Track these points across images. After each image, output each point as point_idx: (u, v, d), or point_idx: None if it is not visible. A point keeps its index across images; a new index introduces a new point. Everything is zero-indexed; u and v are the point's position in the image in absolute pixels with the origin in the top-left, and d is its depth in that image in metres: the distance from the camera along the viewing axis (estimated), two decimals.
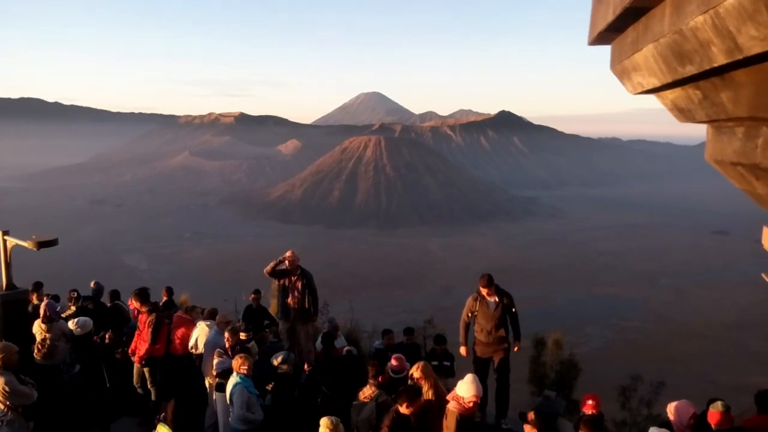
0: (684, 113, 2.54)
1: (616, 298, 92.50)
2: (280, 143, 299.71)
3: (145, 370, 8.76)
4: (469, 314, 8.25)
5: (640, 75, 2.48)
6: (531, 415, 5.69)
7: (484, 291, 8.12)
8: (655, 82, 2.35)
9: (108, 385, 7.56)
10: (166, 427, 6.18)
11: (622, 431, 12.00)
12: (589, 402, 6.59)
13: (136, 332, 8.75)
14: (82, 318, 7.76)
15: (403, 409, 5.71)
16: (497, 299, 8.10)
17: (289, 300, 8.94)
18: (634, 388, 14.25)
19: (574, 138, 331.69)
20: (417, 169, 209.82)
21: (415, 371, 6.04)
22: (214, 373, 8.03)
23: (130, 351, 8.74)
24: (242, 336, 8.47)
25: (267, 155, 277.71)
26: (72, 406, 7.80)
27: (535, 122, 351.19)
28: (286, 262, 8.90)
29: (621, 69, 2.67)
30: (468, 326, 8.29)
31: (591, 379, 12.74)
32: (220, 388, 8.03)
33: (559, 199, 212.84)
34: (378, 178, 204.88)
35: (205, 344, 8.63)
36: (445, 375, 8.74)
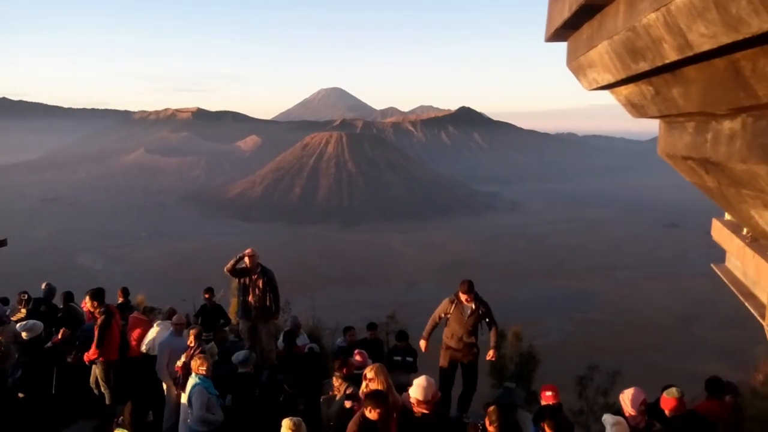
0: (637, 108, 2.59)
1: (574, 290, 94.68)
2: (239, 139, 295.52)
3: (97, 371, 8.48)
4: (442, 315, 8.14)
5: (595, 71, 2.52)
6: (490, 409, 5.77)
7: (463, 296, 7.95)
8: (610, 78, 2.39)
9: (53, 390, 7.30)
10: (124, 430, 6.06)
11: (579, 419, 12.29)
12: (548, 393, 6.71)
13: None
14: (30, 321, 7.50)
15: (370, 414, 5.73)
16: (474, 306, 7.95)
17: (250, 298, 8.82)
18: (591, 378, 14.59)
19: (532, 133, 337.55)
20: (379, 165, 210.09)
21: (369, 372, 5.96)
22: (176, 368, 7.89)
23: (85, 355, 8.46)
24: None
25: (226, 151, 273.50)
26: (17, 411, 7.52)
27: (495, 118, 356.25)
28: (246, 259, 8.77)
29: (577, 65, 2.71)
30: (436, 326, 8.23)
31: (550, 370, 12.97)
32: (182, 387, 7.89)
33: (518, 193, 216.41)
34: (340, 174, 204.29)
35: (159, 345, 8.44)
36: (407, 370, 8.78)
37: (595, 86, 2.65)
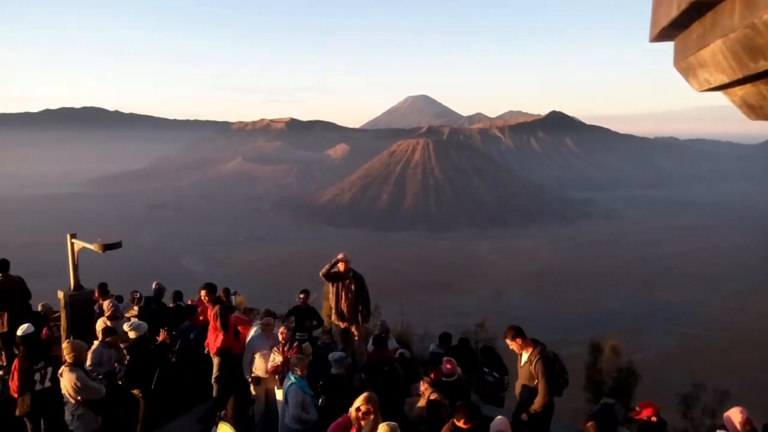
0: (755, 110, 2.45)
1: (675, 303, 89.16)
2: (329, 147, 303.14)
3: (215, 361, 9.05)
4: None
5: (706, 72, 2.41)
6: (588, 424, 5.58)
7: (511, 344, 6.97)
8: (724, 79, 2.28)
9: (153, 387, 7.81)
10: (227, 424, 6.37)
11: None
12: (647, 409, 6.39)
13: (209, 327, 9.06)
14: (136, 321, 8.05)
15: (460, 424, 5.76)
16: (527, 357, 6.88)
17: (342, 302, 9.04)
18: (697, 397, 13.69)
19: (629, 138, 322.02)
20: (466, 172, 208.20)
21: (362, 404, 5.67)
22: (270, 368, 8.23)
23: (214, 344, 9.02)
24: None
25: (316, 159, 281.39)
26: (124, 406, 8.12)
27: (588, 122, 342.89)
28: (340, 265, 9.00)
29: (686, 66, 2.60)
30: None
31: (650, 387, 12.32)
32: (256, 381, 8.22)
33: (614, 200, 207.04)
34: (426, 181, 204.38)
35: (247, 343, 8.84)
36: (496, 388, 8.67)
37: (706, 87, 2.53)
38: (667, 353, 64.87)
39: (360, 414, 5.62)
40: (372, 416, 5.61)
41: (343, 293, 9.03)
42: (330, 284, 9.14)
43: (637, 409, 6.57)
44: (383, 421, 5.15)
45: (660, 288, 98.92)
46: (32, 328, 7.70)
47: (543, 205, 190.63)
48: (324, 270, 8.96)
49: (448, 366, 7.63)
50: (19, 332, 7.60)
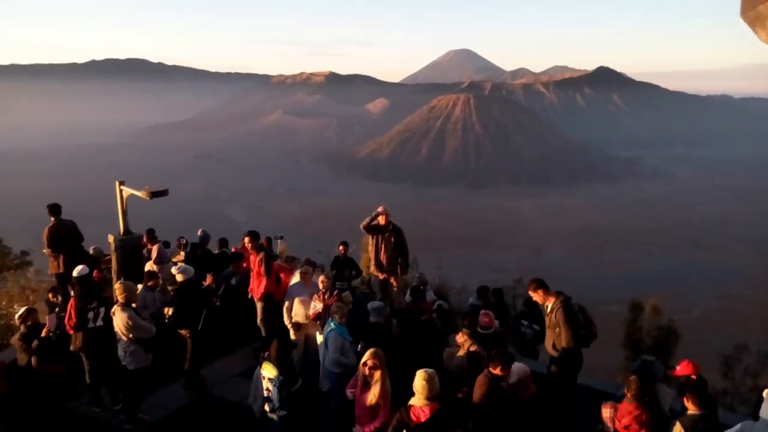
0: None
1: (720, 264, 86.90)
2: (368, 102, 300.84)
3: (259, 306, 9.35)
4: None
5: None
6: (631, 378, 5.57)
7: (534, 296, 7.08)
8: None
9: (199, 328, 8.09)
10: (271, 365, 6.60)
11: (724, 401, 11.45)
12: (687, 367, 6.32)
13: (252, 273, 9.32)
14: (184, 265, 8.28)
15: (496, 372, 5.83)
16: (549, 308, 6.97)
17: (382, 254, 9.13)
18: (738, 358, 13.47)
19: (680, 95, 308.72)
20: (507, 128, 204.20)
21: (369, 359, 5.90)
22: (311, 315, 8.44)
23: (257, 290, 9.28)
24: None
25: (356, 114, 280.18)
26: (171, 347, 8.48)
27: (637, 79, 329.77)
28: (380, 218, 9.05)
29: (754, 15, 2.44)
30: None
31: (690, 347, 12.16)
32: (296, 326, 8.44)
33: (662, 159, 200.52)
34: (467, 136, 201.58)
35: (287, 291, 9.05)
36: (534, 340, 8.71)
37: None
38: (710, 314, 63.75)
39: (367, 369, 5.87)
40: (379, 371, 5.85)
41: (382, 245, 9.10)
42: (370, 236, 9.22)
43: (677, 367, 6.50)
44: (422, 369, 5.23)
45: (705, 249, 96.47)
46: (86, 270, 8.05)
47: (587, 164, 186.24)
48: (365, 222, 9.04)
49: (486, 318, 7.67)
50: (74, 273, 7.95)
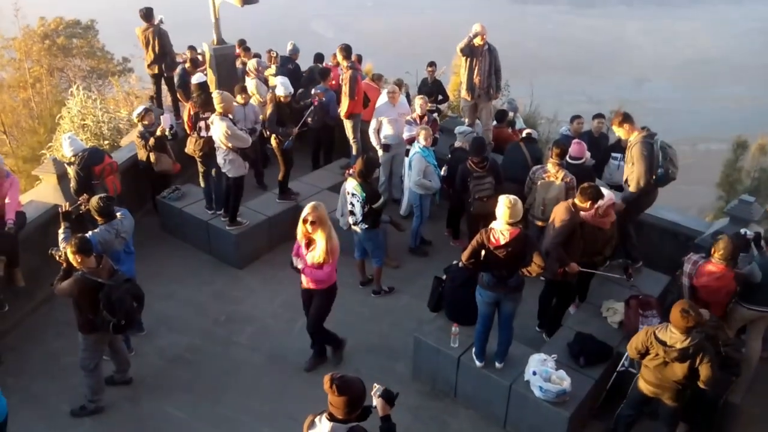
0: None
1: None
2: None
3: (348, 125, 9.51)
4: None
5: None
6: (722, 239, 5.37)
7: None
8: None
9: (292, 141, 8.37)
10: (356, 181, 6.91)
11: None
12: None
13: (342, 92, 9.30)
14: (281, 78, 8.32)
15: (583, 205, 5.79)
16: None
17: (475, 77, 8.76)
18: None
19: None
20: None
21: (310, 214, 5.47)
22: (405, 138, 8.54)
23: (346, 110, 9.40)
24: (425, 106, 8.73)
25: None
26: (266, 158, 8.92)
27: None
28: (478, 38, 8.53)
29: None
30: None
31: None
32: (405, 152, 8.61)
33: None
34: None
35: (376, 110, 9.04)
36: (617, 175, 8.46)
37: None
38: None
39: (308, 225, 5.51)
40: (321, 227, 5.50)
41: (476, 67, 8.69)
42: (463, 58, 8.79)
43: None
44: (505, 195, 5.28)
45: None
46: (204, 77, 8.29)
47: None
48: (462, 43, 8.56)
49: (577, 148, 7.45)
50: (193, 80, 8.23)
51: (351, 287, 7.72)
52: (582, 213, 5.91)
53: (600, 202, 5.90)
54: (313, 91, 9.26)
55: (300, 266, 5.76)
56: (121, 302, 5.20)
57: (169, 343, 6.70)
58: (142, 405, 5.97)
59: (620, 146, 8.72)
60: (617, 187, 7.43)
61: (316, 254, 5.55)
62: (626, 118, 6.54)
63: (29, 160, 13.91)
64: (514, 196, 5.23)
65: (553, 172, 6.96)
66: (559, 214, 5.93)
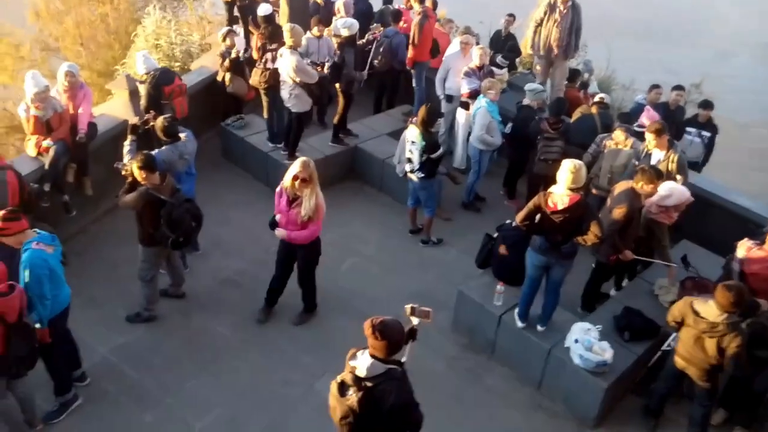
0: None
1: None
2: None
3: (414, 72, 9.35)
4: None
5: None
6: None
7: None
8: None
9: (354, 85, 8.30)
10: (416, 129, 6.86)
11: None
12: None
13: (411, 37, 9.08)
14: (349, 19, 8.17)
15: (645, 189, 5.57)
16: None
17: (554, 34, 8.38)
18: None
19: None
20: None
21: (300, 171, 5.25)
22: (464, 92, 8.33)
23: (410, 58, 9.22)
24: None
25: None
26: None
27: None
28: None
29: None
30: None
31: None
32: (465, 106, 8.42)
33: None
34: None
35: (444, 59, 8.82)
36: (704, 148, 8.10)
37: None
38: None
39: (297, 182, 5.34)
40: (310, 185, 5.37)
41: (556, 25, 8.30)
42: (544, 12, 8.41)
43: None
44: (569, 159, 5.14)
45: None
46: (271, 9, 8.27)
47: None
48: None
49: (648, 115, 7.13)
50: (260, 12, 8.18)
51: (400, 234, 7.80)
52: (650, 208, 5.75)
53: (676, 200, 5.71)
54: (373, 25, 9.09)
55: (279, 220, 5.59)
56: (181, 220, 5.41)
57: (221, 265, 6.95)
58: (192, 319, 6.28)
59: (696, 121, 8.34)
60: (689, 164, 7.13)
61: (302, 212, 5.39)
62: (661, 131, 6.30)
63: (103, 74, 14.29)
64: (579, 162, 5.10)
65: (621, 139, 6.72)
66: (618, 200, 5.74)
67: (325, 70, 7.87)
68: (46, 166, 6.45)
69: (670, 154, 6.33)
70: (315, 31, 8.26)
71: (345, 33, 7.91)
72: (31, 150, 6.61)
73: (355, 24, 8.01)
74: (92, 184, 7.10)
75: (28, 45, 18.84)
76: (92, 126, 6.97)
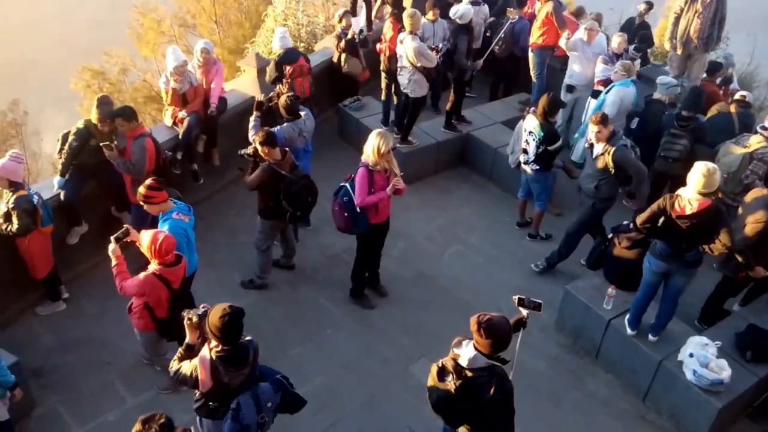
0: None
1: None
2: None
3: (532, 56, 9.05)
4: None
5: None
6: None
7: None
8: None
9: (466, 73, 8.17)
10: (536, 119, 6.64)
11: None
12: None
13: (539, 20, 8.79)
14: (464, 8, 7.99)
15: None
16: None
17: (695, 23, 7.77)
18: None
19: None
20: None
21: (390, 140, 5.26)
22: (598, 78, 7.98)
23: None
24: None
25: None
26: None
27: None
28: None
29: None
30: None
31: None
32: (595, 95, 8.07)
33: None
34: None
35: (568, 45, 8.43)
36: None
37: None
38: None
39: (389, 155, 5.39)
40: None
41: (700, 14, 7.68)
42: (685, 2, 7.80)
43: None
44: (703, 162, 4.77)
45: None
46: None
47: None
48: None
49: None
50: None
51: (507, 226, 7.66)
52: None
53: None
54: (509, 9, 8.88)
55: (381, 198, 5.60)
56: (299, 195, 5.66)
57: (331, 242, 7.17)
58: (299, 290, 6.57)
59: None
60: None
61: (400, 182, 5.49)
62: None
63: (233, 51, 15.10)
64: (714, 165, 4.71)
65: (754, 142, 6.14)
66: (753, 211, 5.24)
67: (438, 56, 7.81)
68: (180, 136, 6.95)
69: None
70: (430, 15, 8.18)
71: (458, 21, 7.77)
72: (167, 120, 7.15)
73: (468, 12, 7.80)
74: (220, 156, 7.57)
75: (168, 21, 20.30)
76: (222, 100, 7.40)
